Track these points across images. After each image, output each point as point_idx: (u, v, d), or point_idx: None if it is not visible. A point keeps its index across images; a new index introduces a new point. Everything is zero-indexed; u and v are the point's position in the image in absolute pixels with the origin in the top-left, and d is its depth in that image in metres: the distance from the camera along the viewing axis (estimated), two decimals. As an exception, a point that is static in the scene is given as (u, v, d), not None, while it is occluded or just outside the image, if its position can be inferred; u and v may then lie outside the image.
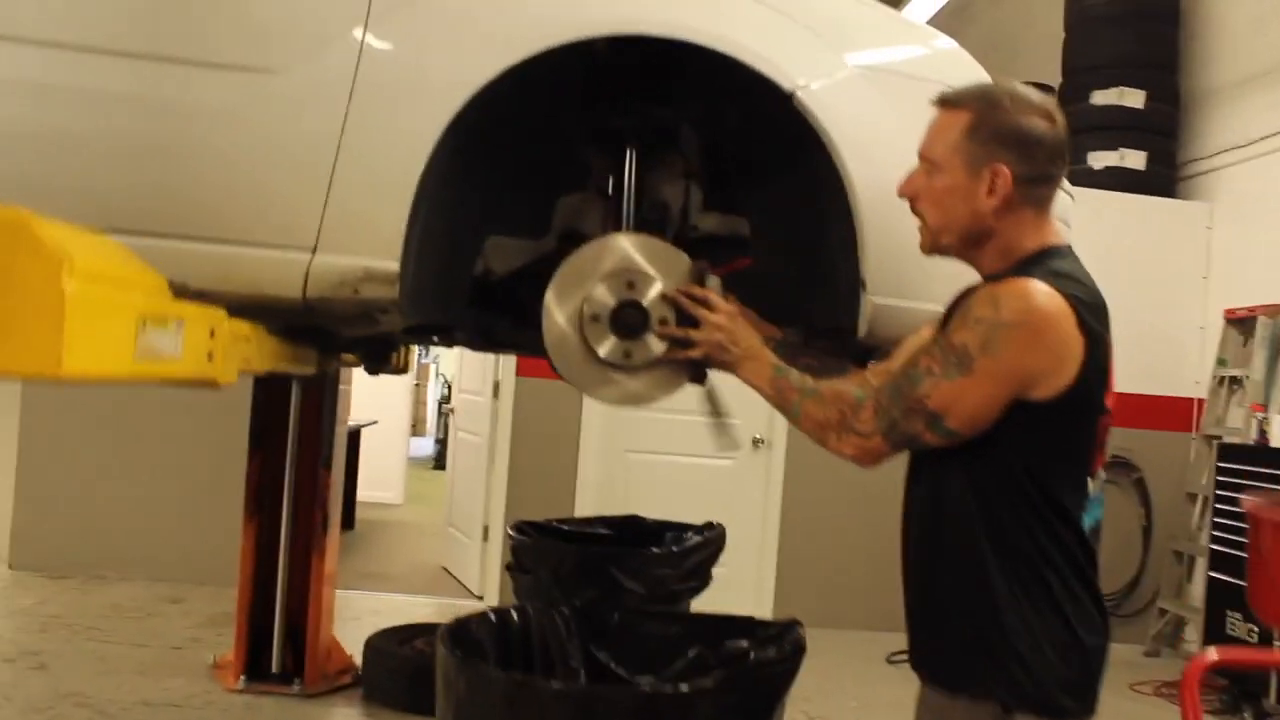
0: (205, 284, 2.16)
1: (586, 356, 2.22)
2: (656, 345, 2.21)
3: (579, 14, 2.18)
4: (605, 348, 2.21)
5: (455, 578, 7.67)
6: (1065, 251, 1.93)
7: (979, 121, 1.91)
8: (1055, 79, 7.28)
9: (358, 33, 2.14)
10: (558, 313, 2.23)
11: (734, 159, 2.64)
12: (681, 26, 2.19)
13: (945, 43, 2.46)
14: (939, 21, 9.75)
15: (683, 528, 4.14)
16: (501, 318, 2.65)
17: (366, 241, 2.16)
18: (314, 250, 2.14)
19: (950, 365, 1.82)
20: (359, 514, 9.74)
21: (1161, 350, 6.98)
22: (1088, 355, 1.80)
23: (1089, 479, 1.90)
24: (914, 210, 2.01)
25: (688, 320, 2.19)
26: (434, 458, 15.95)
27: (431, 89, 2.15)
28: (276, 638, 5.05)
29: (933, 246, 2.00)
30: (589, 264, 2.23)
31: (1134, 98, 6.79)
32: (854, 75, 2.26)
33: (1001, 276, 1.88)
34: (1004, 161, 1.88)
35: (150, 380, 1.70)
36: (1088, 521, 1.89)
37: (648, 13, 2.20)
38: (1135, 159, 6.77)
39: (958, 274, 2.01)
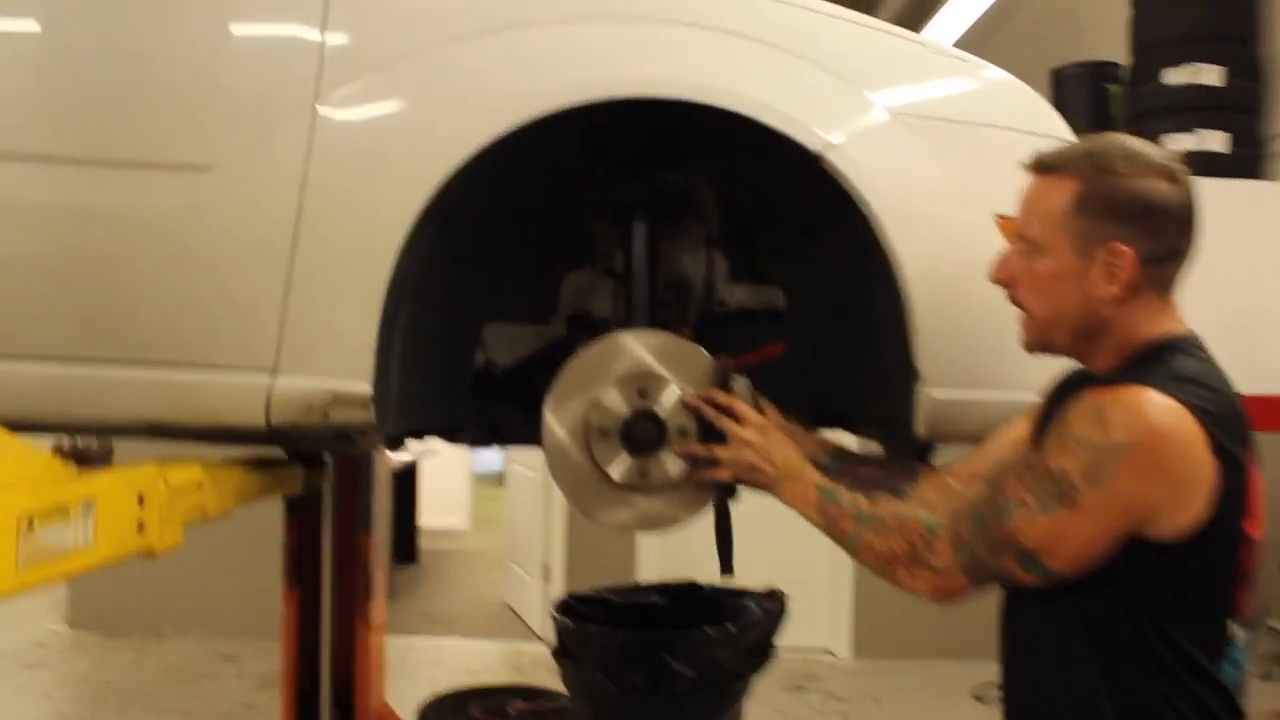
0: (156, 415, 1.88)
1: (595, 477, 1.91)
2: (676, 464, 1.88)
3: (566, 78, 1.86)
4: (617, 468, 1.90)
5: (518, 615, 7.42)
6: (1191, 344, 1.59)
7: (1089, 190, 1.58)
8: (1121, 57, 6.81)
9: (306, 114, 1.83)
10: (559, 428, 1.91)
11: (762, 220, 2.29)
12: (685, 85, 1.87)
13: (997, 75, 2.09)
14: (995, 2, 9.27)
15: (742, 595, 3.79)
16: (510, 410, 2.32)
17: (332, 359, 1.86)
18: (274, 372, 1.85)
19: (1048, 496, 1.49)
20: (423, 543, 9.51)
21: (1253, 347, 6.48)
22: (1222, 483, 1.46)
23: (1233, 624, 1.54)
24: (1013, 299, 1.68)
25: (713, 433, 1.86)
26: (502, 473, 15.74)
27: (398, 172, 1.85)
28: (325, 711, 4.80)
29: (1039, 343, 1.68)
30: (592, 369, 1.91)
31: (1210, 74, 6.29)
32: (892, 125, 1.91)
33: (1112, 379, 1.54)
34: (1123, 239, 1.56)
35: (53, 582, 1.41)
36: (1232, 674, 1.53)
37: (647, 72, 1.88)
38: (1215, 140, 6.28)
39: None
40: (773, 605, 3.65)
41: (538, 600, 6.94)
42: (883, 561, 1.66)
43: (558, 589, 6.55)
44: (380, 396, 1.88)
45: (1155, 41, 6.70)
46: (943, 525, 1.61)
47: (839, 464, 1.98)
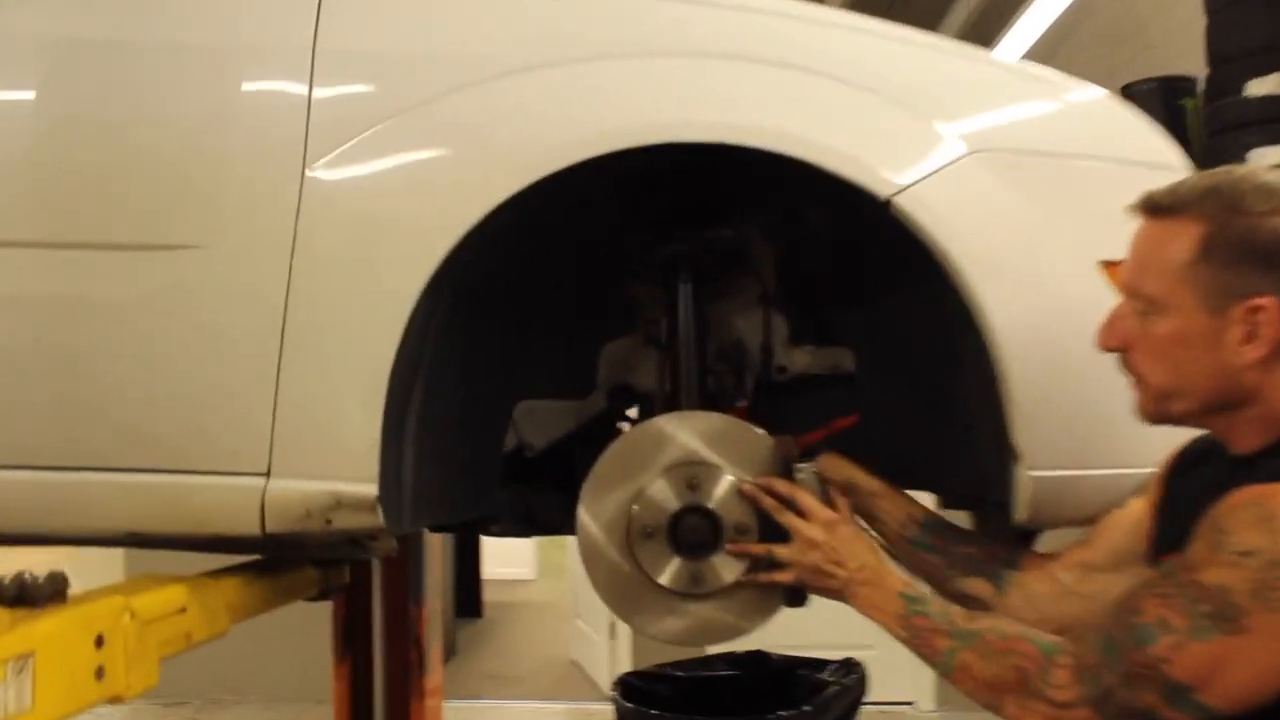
0: (138, 525, 1.66)
1: (640, 582, 1.64)
2: (733, 567, 1.61)
3: (588, 126, 1.61)
4: (667, 573, 1.64)
5: (586, 673, 7.13)
6: None
7: (1218, 234, 1.31)
8: (1199, 70, 6.43)
9: (293, 181, 1.60)
10: (596, 527, 1.65)
11: (826, 275, 2.02)
12: (726, 127, 1.61)
13: (1091, 95, 1.80)
14: (1055, 20, 8.92)
15: (817, 667, 3.48)
16: (547, 496, 2.06)
17: (331, 457, 1.63)
18: (267, 474, 1.62)
19: (1203, 618, 1.21)
20: (487, 595, 9.26)
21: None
22: None
23: None
24: (1126, 366, 1.40)
25: (775, 529, 1.59)
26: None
27: (399, 240, 1.62)
28: (381, 787, 4.56)
29: (1159, 414, 1.40)
30: (632, 459, 1.65)
31: (1297, 83, 5.90)
32: (970, 161, 1.63)
33: (1267, 464, 1.26)
34: (1265, 290, 1.28)
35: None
36: None
37: (681, 114, 1.62)
38: (1308, 153, 5.88)
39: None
40: (851, 679, 3.34)
41: (605, 658, 6.66)
42: (985, 688, 1.38)
43: (624, 648, 6.28)
44: (390, 495, 1.64)
45: (1235, 52, 6.31)
46: (1063, 649, 1.32)
47: (931, 536, 1.69)
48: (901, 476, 1.85)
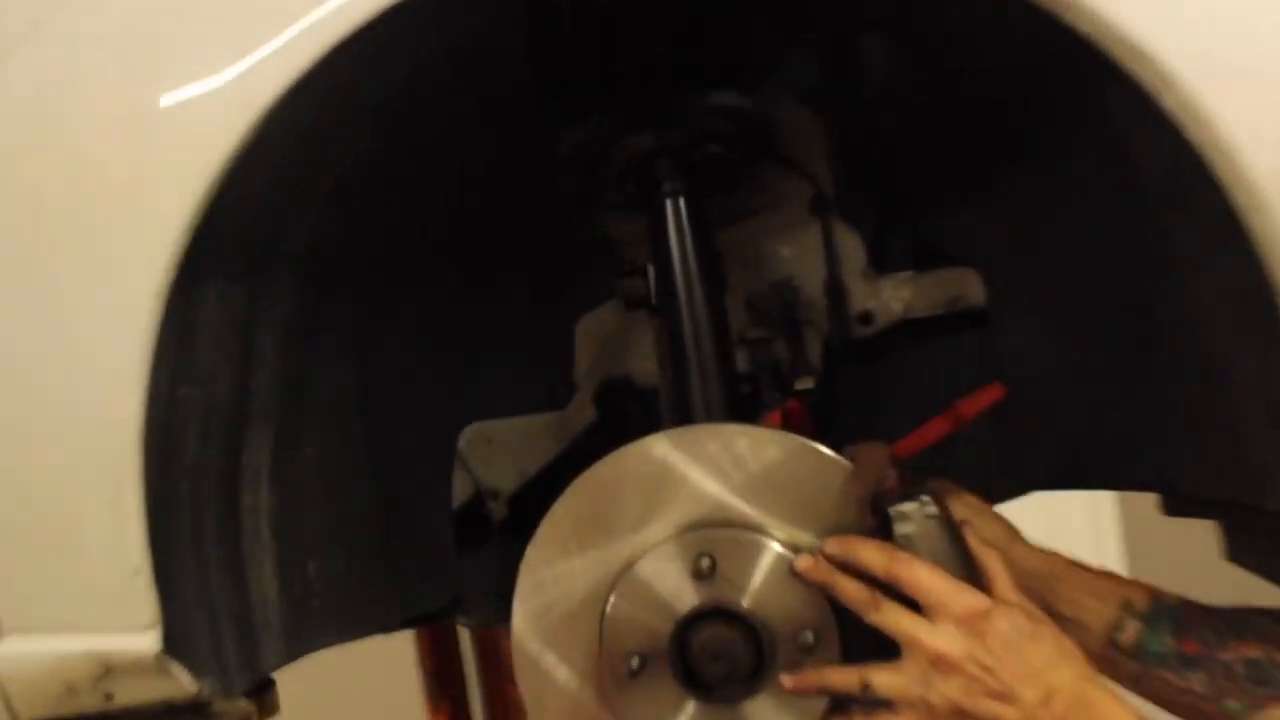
0: None
1: None
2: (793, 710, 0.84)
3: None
4: None
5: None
6: None
7: None
8: None
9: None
10: (540, 647, 0.89)
11: (916, 151, 1.20)
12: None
13: None
14: None
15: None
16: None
17: (76, 597, 0.92)
18: (-2, 632, 0.94)
19: None
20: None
21: None
22: None
23: None
24: None
25: (867, 637, 0.81)
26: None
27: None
28: None
29: None
30: (596, 522, 0.90)
31: None
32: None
33: None
34: None
35: None
36: None
37: None
38: None
39: None
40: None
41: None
42: None
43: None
44: (198, 641, 0.95)
45: None
46: None
47: (1169, 636, 0.90)
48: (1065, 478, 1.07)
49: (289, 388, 1.09)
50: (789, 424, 1.00)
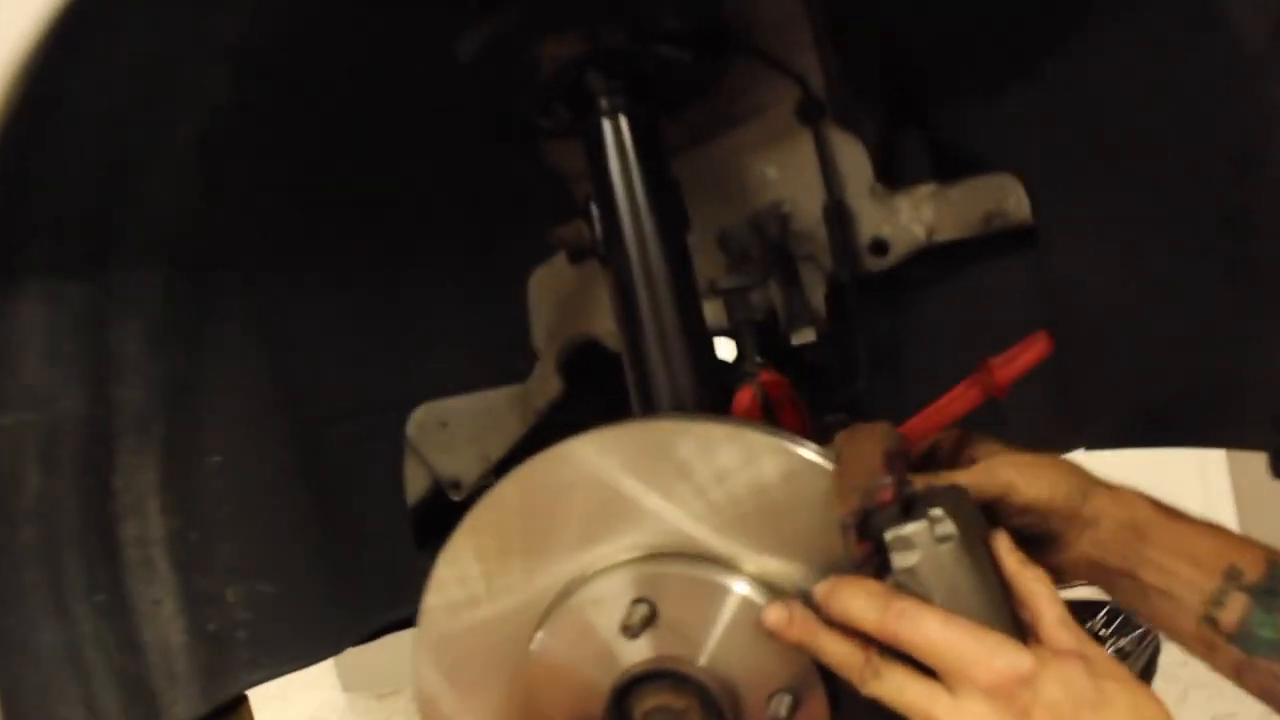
0: None
1: None
2: None
3: None
4: None
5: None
6: None
7: None
8: None
9: None
10: (445, 690, 0.70)
11: (927, 26, 0.94)
12: None
13: None
14: None
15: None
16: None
17: None
18: None
19: None
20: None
21: None
22: None
23: None
24: None
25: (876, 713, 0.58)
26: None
27: None
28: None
29: None
30: (506, 546, 0.69)
31: None
32: None
33: None
34: None
35: None
36: None
37: None
38: None
39: None
40: (1144, 643, 2.32)
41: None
42: None
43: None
44: (75, 705, 0.87)
45: None
46: None
47: None
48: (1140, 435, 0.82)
49: (174, 393, 0.91)
50: (766, 406, 0.76)
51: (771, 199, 0.95)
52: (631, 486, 0.68)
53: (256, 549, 1.01)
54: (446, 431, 1.13)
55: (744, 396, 0.74)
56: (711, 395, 0.82)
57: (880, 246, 0.95)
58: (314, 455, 1.05)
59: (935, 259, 0.96)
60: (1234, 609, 0.69)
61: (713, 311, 0.91)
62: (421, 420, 1.12)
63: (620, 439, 0.70)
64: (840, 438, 0.67)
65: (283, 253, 0.97)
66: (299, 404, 1.04)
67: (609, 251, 0.86)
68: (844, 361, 0.97)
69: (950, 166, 0.95)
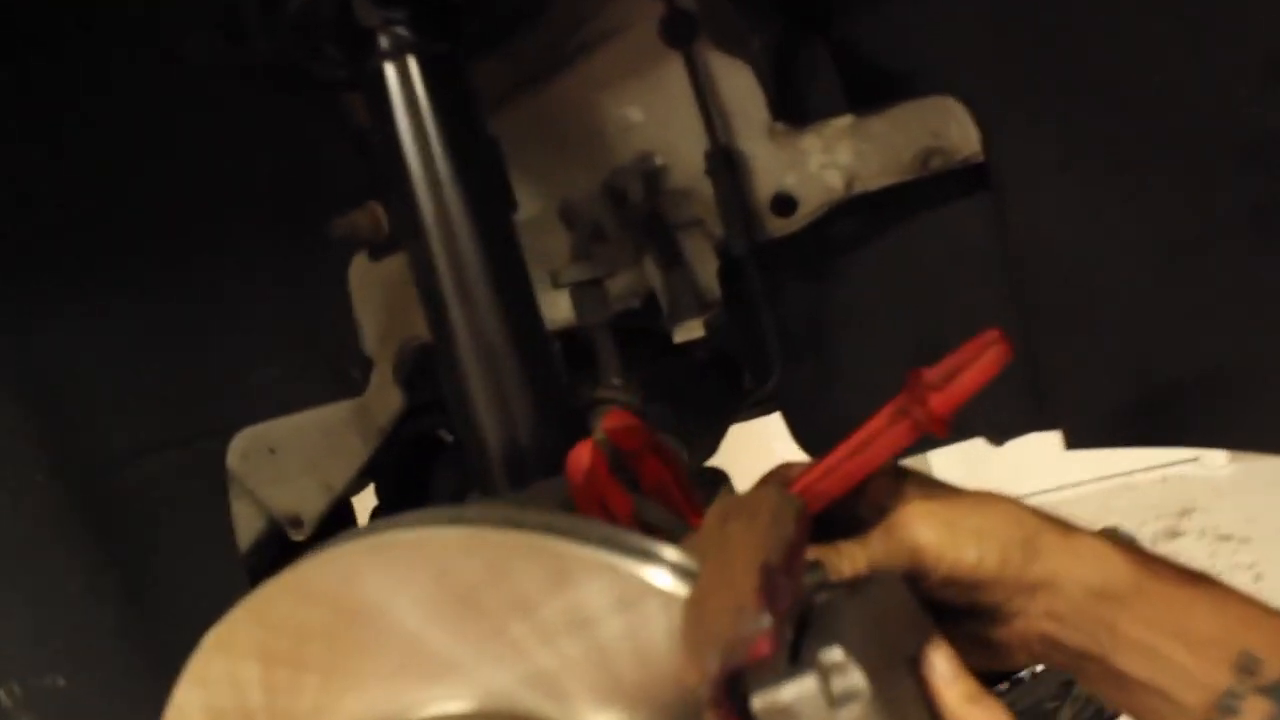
0: None
1: None
2: None
3: None
4: None
5: None
6: None
7: None
8: None
9: None
10: None
11: None
12: None
13: None
14: None
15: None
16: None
17: None
18: None
19: None
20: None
21: None
22: None
23: None
24: None
25: None
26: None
27: None
28: None
29: None
30: (289, 680, 0.49)
31: None
32: None
33: None
34: None
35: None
36: None
37: None
38: None
39: None
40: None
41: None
42: None
43: None
44: None
45: None
46: None
47: None
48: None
49: None
50: (617, 462, 0.54)
51: (636, 151, 0.72)
52: (425, 629, 0.46)
53: (31, 635, 0.81)
54: (276, 460, 0.90)
55: (580, 456, 0.52)
56: (556, 435, 0.60)
57: (785, 203, 0.72)
58: (101, 509, 0.84)
59: (858, 214, 0.73)
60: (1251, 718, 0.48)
61: (564, 309, 0.69)
62: (244, 449, 0.90)
63: (402, 556, 0.48)
64: (703, 537, 0.45)
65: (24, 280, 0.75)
66: (72, 449, 0.82)
67: (405, 243, 0.63)
68: (752, 351, 0.75)
69: (870, 92, 0.71)
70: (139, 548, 0.86)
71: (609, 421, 0.55)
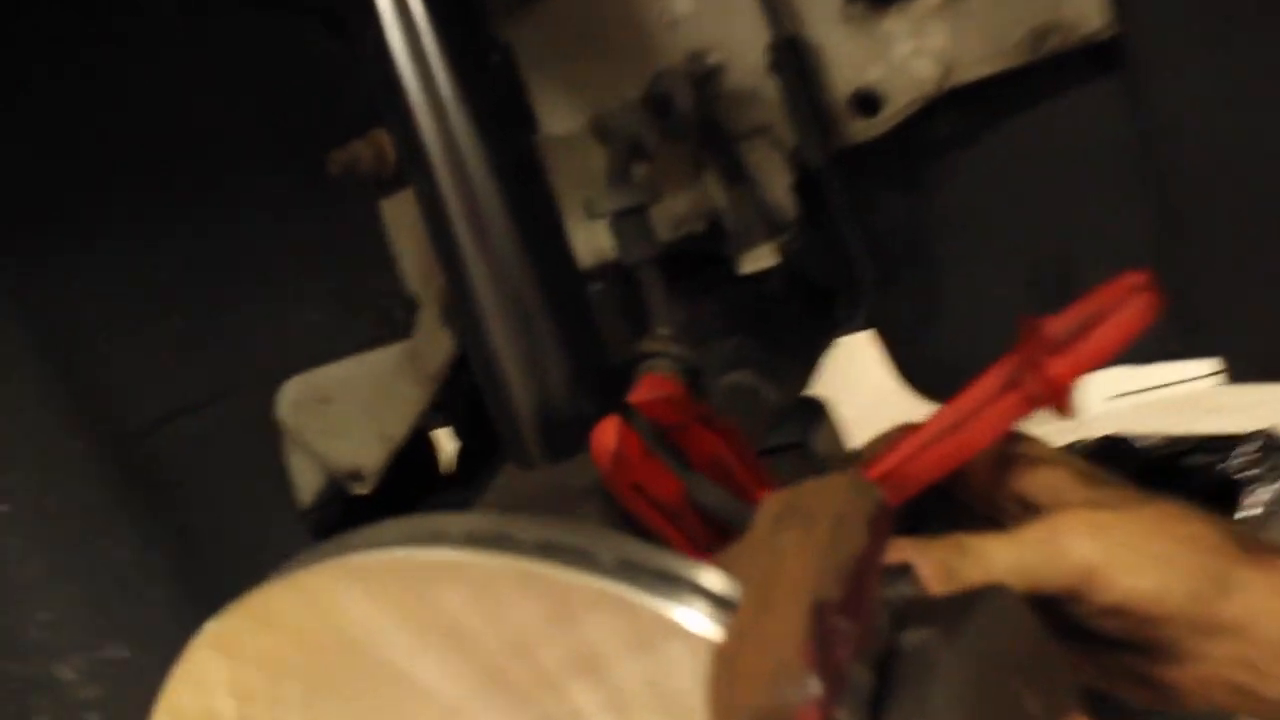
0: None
1: None
2: None
3: None
4: None
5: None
6: None
7: None
8: None
9: None
10: None
11: None
12: None
13: None
14: None
15: (1219, 445, 2.04)
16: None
17: None
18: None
19: None
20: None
21: None
22: None
23: None
24: None
25: None
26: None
27: None
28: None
29: None
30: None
31: None
32: None
33: None
34: None
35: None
36: None
37: None
38: None
39: None
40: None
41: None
42: None
43: None
44: None
45: None
46: None
47: None
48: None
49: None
50: (660, 440, 0.44)
51: (684, 49, 0.61)
52: (412, 668, 0.38)
53: (87, 609, 0.76)
54: (331, 410, 0.83)
55: (604, 436, 0.42)
56: (593, 399, 0.51)
57: (868, 101, 0.60)
58: (144, 475, 0.78)
59: (957, 109, 0.61)
60: None
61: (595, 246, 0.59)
62: (295, 399, 0.83)
63: (378, 583, 0.39)
64: (749, 547, 0.35)
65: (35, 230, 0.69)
66: (107, 417, 0.76)
67: (411, 175, 0.53)
68: (839, 277, 0.64)
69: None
70: (189, 512, 0.81)
71: (641, 392, 0.45)
